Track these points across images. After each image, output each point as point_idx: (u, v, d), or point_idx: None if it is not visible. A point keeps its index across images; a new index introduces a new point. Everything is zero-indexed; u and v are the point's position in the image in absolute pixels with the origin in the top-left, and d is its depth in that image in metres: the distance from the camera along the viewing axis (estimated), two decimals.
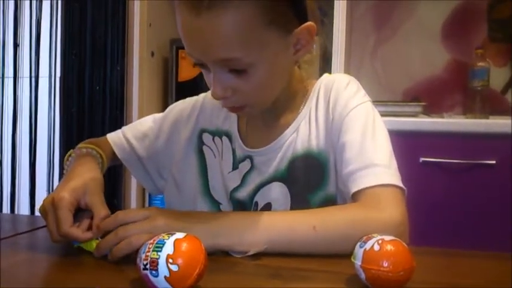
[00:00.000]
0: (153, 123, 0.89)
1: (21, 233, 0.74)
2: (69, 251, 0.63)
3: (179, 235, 0.48)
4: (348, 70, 1.91)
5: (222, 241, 0.60)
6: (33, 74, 2.21)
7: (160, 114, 0.90)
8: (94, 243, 0.61)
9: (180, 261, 0.46)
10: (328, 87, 0.76)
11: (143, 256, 0.47)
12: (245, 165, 0.78)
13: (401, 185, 0.68)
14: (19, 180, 2.23)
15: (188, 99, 0.89)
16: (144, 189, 2.01)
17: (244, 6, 0.60)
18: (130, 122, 2.00)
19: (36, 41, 2.20)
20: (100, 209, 0.63)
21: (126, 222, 0.60)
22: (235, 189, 0.78)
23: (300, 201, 0.74)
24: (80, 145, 0.81)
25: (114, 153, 0.87)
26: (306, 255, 0.60)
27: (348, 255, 0.52)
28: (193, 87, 1.92)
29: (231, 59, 0.63)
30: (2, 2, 2.22)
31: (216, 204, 0.79)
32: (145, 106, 2.01)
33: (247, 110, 0.71)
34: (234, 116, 0.81)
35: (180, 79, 2.00)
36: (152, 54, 2.07)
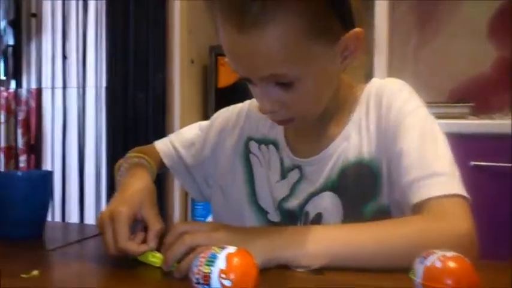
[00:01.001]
0: (199, 131, 0.89)
1: (73, 243, 0.76)
2: (121, 262, 0.64)
3: (231, 249, 0.48)
4: (390, 72, 1.86)
5: (287, 254, 0.58)
6: (80, 85, 2.29)
7: (206, 122, 0.90)
8: (149, 255, 0.63)
9: (233, 276, 0.45)
10: (379, 93, 0.74)
11: (195, 270, 0.47)
12: (294, 175, 0.76)
13: (466, 194, 0.64)
14: (69, 188, 2.32)
15: (232, 106, 0.89)
16: (186, 195, 2.03)
17: (289, 22, 0.59)
18: (172, 128, 2.05)
19: (82, 53, 2.28)
20: (155, 223, 0.65)
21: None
22: (284, 199, 0.77)
23: (352, 211, 0.71)
24: (129, 154, 0.82)
25: (162, 162, 0.88)
26: (361, 270, 0.58)
27: (403, 270, 0.49)
28: (233, 93, 1.92)
29: (278, 74, 0.62)
30: (52, 16, 2.33)
31: (263, 213, 0.78)
32: (186, 113, 2.04)
33: (295, 122, 0.70)
34: None
35: (219, 85, 2.02)
36: (192, 61, 2.10)
